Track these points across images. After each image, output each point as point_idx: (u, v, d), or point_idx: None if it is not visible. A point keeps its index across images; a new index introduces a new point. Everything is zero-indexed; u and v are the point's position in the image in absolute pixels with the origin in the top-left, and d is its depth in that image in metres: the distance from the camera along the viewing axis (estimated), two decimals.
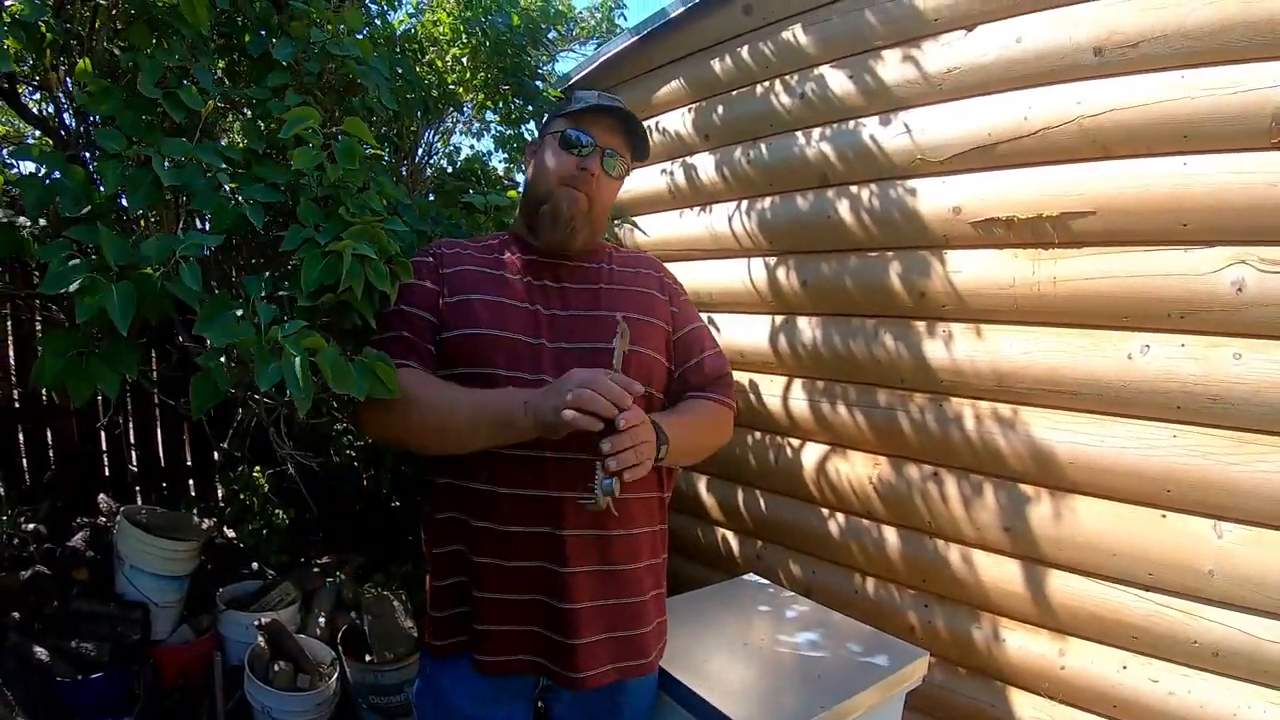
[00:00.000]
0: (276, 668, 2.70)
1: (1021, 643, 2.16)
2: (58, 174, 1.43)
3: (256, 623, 2.80)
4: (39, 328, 2.92)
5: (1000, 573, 2.20)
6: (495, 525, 1.48)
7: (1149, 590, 1.92)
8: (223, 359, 1.36)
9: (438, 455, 1.55)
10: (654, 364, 1.63)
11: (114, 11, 1.76)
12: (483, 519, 1.48)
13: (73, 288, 1.24)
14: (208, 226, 1.53)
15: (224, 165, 1.51)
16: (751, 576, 2.56)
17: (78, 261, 1.28)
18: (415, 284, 1.57)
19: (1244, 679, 1.78)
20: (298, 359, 1.28)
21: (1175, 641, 1.87)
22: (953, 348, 2.29)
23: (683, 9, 3.04)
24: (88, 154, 1.76)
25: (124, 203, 1.50)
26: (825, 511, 2.71)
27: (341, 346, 1.41)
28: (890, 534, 2.50)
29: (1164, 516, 1.89)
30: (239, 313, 1.35)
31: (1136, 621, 1.93)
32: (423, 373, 1.50)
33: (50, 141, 1.97)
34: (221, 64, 2.00)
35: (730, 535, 3.12)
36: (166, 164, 1.43)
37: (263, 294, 1.40)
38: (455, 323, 1.53)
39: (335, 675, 2.81)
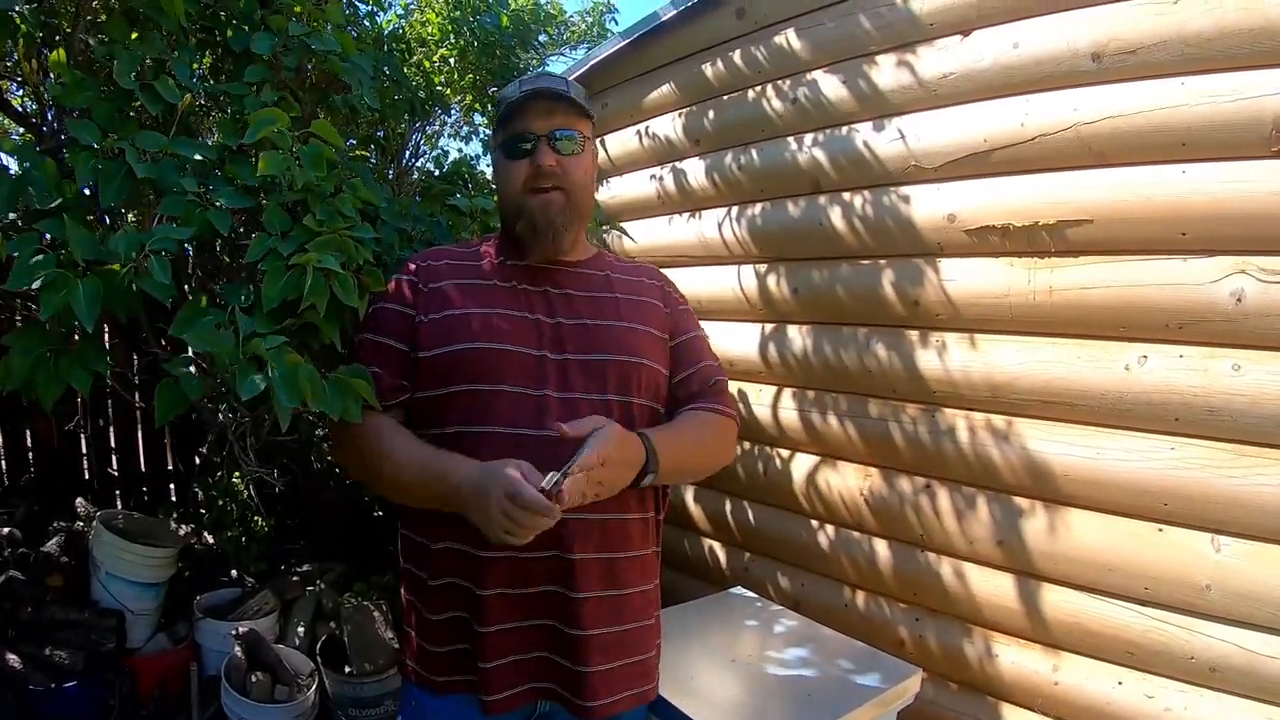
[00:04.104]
0: (254, 678, 2.64)
1: (1015, 658, 2.13)
2: (29, 166, 1.39)
3: (234, 632, 2.74)
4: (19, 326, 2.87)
5: (993, 587, 2.17)
6: (503, 552, 1.36)
7: (1145, 605, 1.89)
8: (191, 367, 1.31)
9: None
10: (658, 376, 1.56)
11: (95, 4, 1.72)
12: (490, 547, 1.36)
13: (37, 284, 1.20)
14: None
15: (200, 159, 1.47)
16: (740, 590, 2.53)
17: (44, 256, 1.23)
18: (387, 308, 1.49)
19: (1241, 695, 1.75)
20: (279, 372, 1.25)
21: (1172, 657, 1.84)
22: (946, 358, 2.25)
23: (674, 12, 3.01)
24: (66, 151, 1.72)
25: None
26: (815, 523, 2.67)
27: (314, 364, 1.37)
28: (881, 547, 2.46)
29: (1161, 530, 1.86)
30: (217, 321, 1.31)
31: (1132, 637, 1.90)
32: (388, 421, 1.45)
33: (32, 138, 1.93)
34: (207, 60, 1.96)
35: (718, 547, 3.08)
36: (142, 158, 1.39)
37: (244, 304, 1.36)
38: (443, 339, 1.44)
39: (314, 687, 2.75)
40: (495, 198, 2.48)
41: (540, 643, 1.41)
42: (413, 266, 1.56)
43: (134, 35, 1.66)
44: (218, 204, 1.43)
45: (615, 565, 1.45)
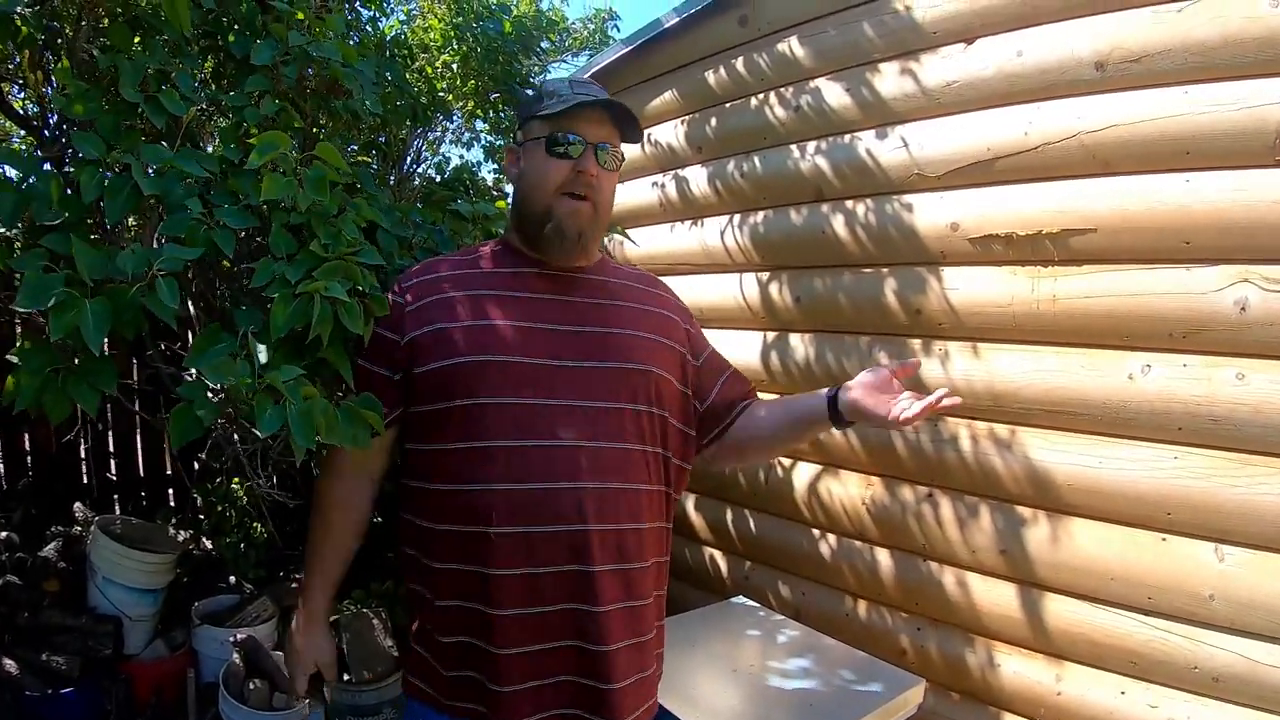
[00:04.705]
0: (252, 686, 2.63)
1: (1017, 668, 2.12)
2: (32, 179, 1.37)
3: (232, 639, 2.72)
4: (18, 331, 2.87)
5: (996, 596, 2.16)
6: (517, 569, 1.35)
7: (1148, 614, 1.88)
8: (206, 392, 1.30)
9: (428, 499, 1.45)
10: (670, 386, 1.54)
11: (98, 9, 1.71)
12: (503, 565, 1.35)
13: (49, 304, 1.19)
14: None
15: (204, 173, 1.45)
16: (741, 599, 2.52)
17: (54, 275, 1.22)
18: (375, 333, 1.47)
19: (1245, 704, 1.74)
20: (295, 409, 1.24)
21: (1175, 667, 1.83)
22: (949, 367, 2.25)
23: (677, 19, 3.02)
24: (68, 156, 1.71)
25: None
26: (816, 533, 2.66)
27: (325, 391, 1.37)
28: (883, 556, 2.45)
29: (1164, 539, 1.86)
30: (230, 350, 1.31)
31: (1135, 646, 1.89)
32: (355, 501, 1.56)
33: (34, 140, 1.92)
34: (208, 65, 1.95)
35: (719, 556, 3.07)
36: (149, 172, 1.38)
37: (256, 329, 1.35)
38: (439, 353, 1.42)
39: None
40: (504, 203, 2.48)
41: (561, 665, 1.38)
42: (403, 286, 1.53)
43: (135, 40, 1.65)
44: (221, 223, 1.42)
45: (631, 575, 1.42)
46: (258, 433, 1.24)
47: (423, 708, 1.48)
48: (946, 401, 1.35)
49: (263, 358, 1.28)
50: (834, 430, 1.54)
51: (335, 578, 1.60)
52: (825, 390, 1.53)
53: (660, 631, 1.56)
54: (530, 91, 3.24)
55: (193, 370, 1.32)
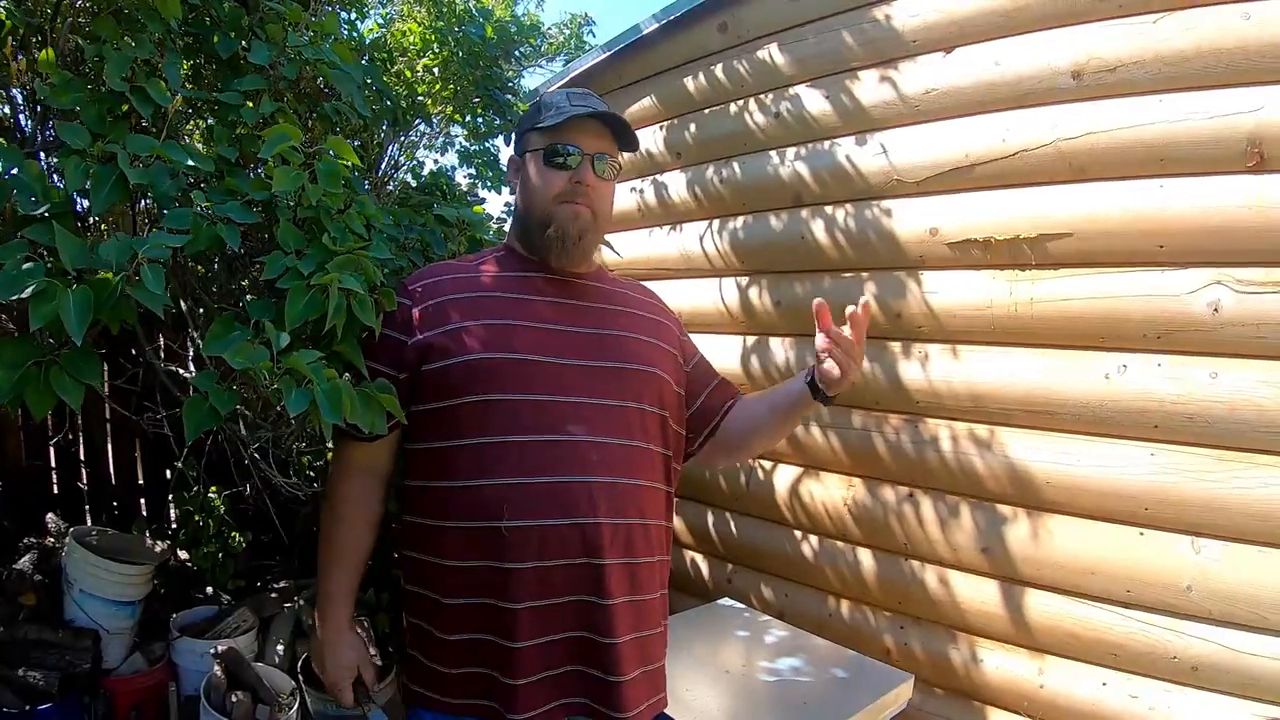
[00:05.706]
0: (234, 698, 2.59)
1: (1000, 663, 2.16)
2: (15, 170, 1.35)
3: (213, 651, 2.69)
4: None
5: (978, 593, 2.20)
6: (530, 563, 1.37)
7: (1128, 607, 1.93)
8: (217, 382, 1.29)
9: (436, 497, 1.46)
10: (671, 389, 1.59)
11: (78, 3, 1.69)
12: (516, 559, 1.37)
13: (26, 293, 1.17)
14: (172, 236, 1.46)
15: (194, 166, 1.44)
16: (727, 601, 2.54)
17: (33, 265, 1.20)
18: (382, 333, 1.49)
19: (1224, 692, 1.80)
20: (323, 388, 1.25)
21: (1155, 657, 1.88)
22: (929, 369, 2.29)
23: (656, 26, 3.04)
24: (42, 154, 1.68)
25: (81, 203, 1.43)
26: (798, 534, 2.69)
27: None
28: (865, 556, 2.48)
29: (1142, 534, 1.91)
30: (247, 336, 1.30)
31: (1116, 639, 1.94)
32: (370, 501, 1.56)
33: (3, 141, 1.89)
34: (187, 66, 1.93)
35: (700, 559, 3.09)
36: (133, 162, 1.36)
37: (269, 319, 1.34)
38: (445, 353, 1.44)
39: (295, 706, 2.71)
40: (480, 208, 2.48)
41: (570, 656, 1.40)
42: (410, 288, 1.55)
43: (122, 36, 1.63)
44: (227, 218, 1.41)
45: (637, 570, 1.45)
46: (265, 425, 1.24)
47: (432, 715, 1.48)
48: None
49: (280, 343, 1.28)
50: (822, 406, 1.62)
51: (355, 577, 1.58)
52: (801, 374, 1.63)
53: (665, 631, 1.58)
54: (508, 96, 3.25)
55: (192, 367, 1.31)
